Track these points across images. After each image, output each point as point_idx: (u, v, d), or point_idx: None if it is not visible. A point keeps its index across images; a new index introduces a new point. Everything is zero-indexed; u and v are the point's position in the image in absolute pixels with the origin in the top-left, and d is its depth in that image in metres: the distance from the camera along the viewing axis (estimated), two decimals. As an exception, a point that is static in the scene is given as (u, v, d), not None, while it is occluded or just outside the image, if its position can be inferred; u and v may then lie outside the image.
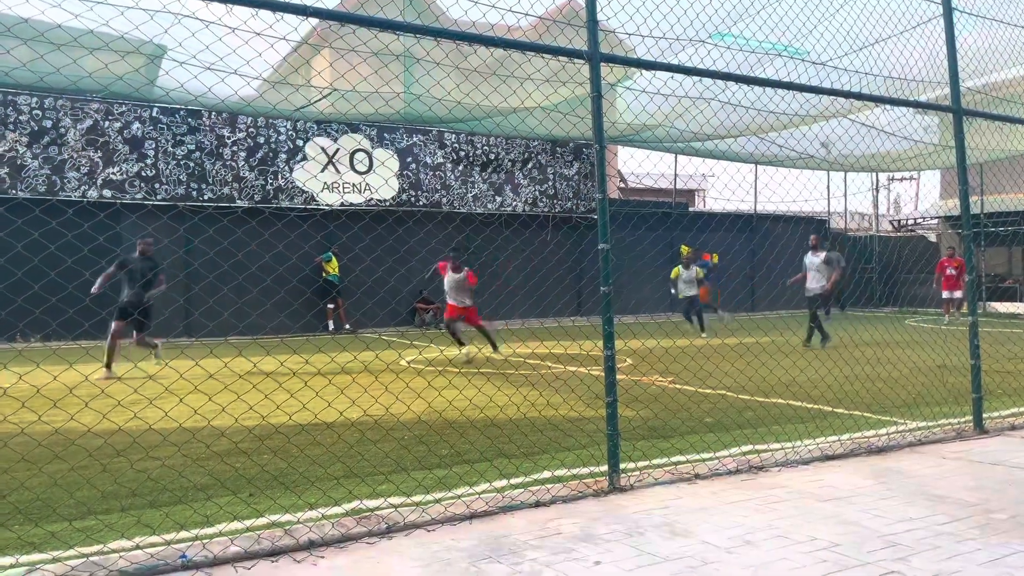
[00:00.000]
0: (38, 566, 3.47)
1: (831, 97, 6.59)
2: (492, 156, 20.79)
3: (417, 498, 4.52)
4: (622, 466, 4.79)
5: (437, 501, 4.44)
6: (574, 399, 7.50)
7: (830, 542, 3.70)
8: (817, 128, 13.04)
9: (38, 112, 15.79)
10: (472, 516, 4.15)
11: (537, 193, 21.41)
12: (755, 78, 5.79)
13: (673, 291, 16.88)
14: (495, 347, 12.21)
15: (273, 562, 3.54)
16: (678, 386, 8.81)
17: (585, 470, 5.10)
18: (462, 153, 20.38)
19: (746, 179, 26.06)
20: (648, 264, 21.41)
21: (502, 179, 20.90)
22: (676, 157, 21.97)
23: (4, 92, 15.27)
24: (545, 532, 3.91)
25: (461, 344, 12.05)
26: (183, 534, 3.92)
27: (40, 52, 3.79)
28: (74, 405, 5.80)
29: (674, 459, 5.41)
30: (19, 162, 15.57)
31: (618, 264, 18.37)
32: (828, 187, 27.02)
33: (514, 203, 21.03)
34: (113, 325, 10.12)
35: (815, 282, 13.25)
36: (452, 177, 20.20)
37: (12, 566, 3.49)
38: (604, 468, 4.81)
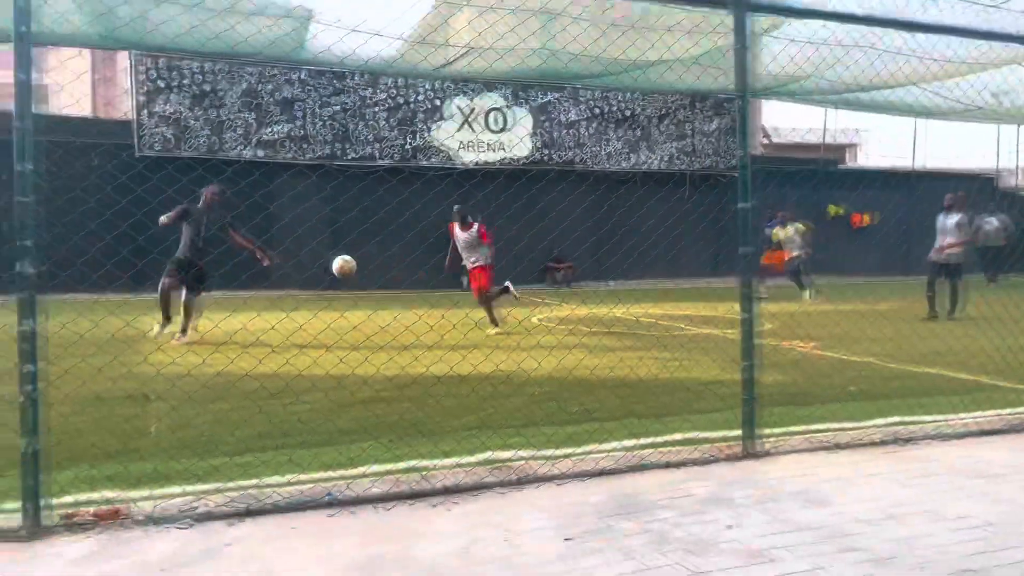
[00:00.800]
0: (202, 496, 3.80)
1: (1004, 43, 5.99)
2: (628, 112, 20.40)
3: (547, 452, 4.60)
4: (758, 432, 4.66)
5: (567, 456, 4.49)
6: (708, 362, 7.35)
7: (984, 521, 3.47)
8: (987, 76, 11.91)
9: (199, 76, 16.87)
10: (601, 473, 4.18)
11: (675, 150, 20.86)
12: (918, 23, 5.34)
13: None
14: (494, 322, 10.48)
15: (411, 505, 3.72)
16: (821, 352, 8.44)
17: (718, 434, 5.01)
18: (597, 110, 20.12)
19: (904, 133, 24.31)
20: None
21: (638, 136, 20.49)
22: (826, 110, 20.75)
23: (169, 57, 16.39)
24: (675, 493, 3.88)
25: (506, 292, 10.78)
26: (329, 473, 4.18)
27: (202, 18, 4.04)
28: (233, 350, 6.26)
29: (813, 427, 5.21)
30: (183, 124, 16.74)
31: (760, 224, 17.58)
32: (998, 141, 24.77)
33: (650, 160, 20.61)
34: (164, 280, 9.11)
35: (947, 246, 12.01)
36: (587, 135, 20.01)
37: (180, 495, 3.85)
38: (738, 433, 4.70)
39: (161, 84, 16.61)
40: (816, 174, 22.50)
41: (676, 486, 4.00)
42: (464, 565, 3.03)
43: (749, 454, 4.53)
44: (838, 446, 4.71)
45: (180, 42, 4.38)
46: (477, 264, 10.59)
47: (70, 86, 17.85)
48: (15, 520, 3.35)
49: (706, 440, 4.87)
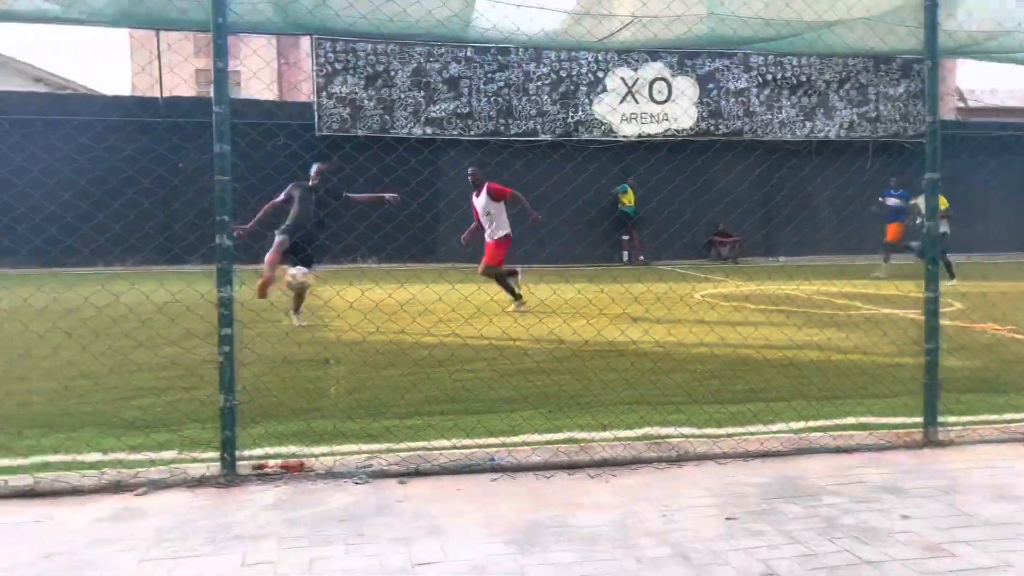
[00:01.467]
0: (376, 455, 4.06)
1: None
2: (803, 78, 19.29)
3: (708, 431, 4.52)
4: (941, 419, 4.34)
5: (729, 436, 4.39)
6: (887, 343, 6.90)
7: None
8: None
9: (372, 57, 17.67)
10: (766, 454, 4.06)
11: (855, 116, 19.53)
12: None
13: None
14: (517, 296, 9.10)
15: (570, 474, 3.78)
16: (1018, 336, 7.69)
17: (896, 420, 4.71)
18: (769, 76, 19.17)
19: None
20: (989, 196, 18.69)
21: (814, 103, 19.35)
22: (1032, 69, 18.68)
23: (346, 41, 17.28)
24: (846, 479, 3.70)
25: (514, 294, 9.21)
26: (491, 440, 4.33)
27: (377, 3, 4.23)
28: (404, 319, 6.58)
29: (1006, 416, 4.78)
30: (358, 103, 17.63)
31: (951, 196, 16.11)
32: None
33: (827, 128, 19.42)
34: (268, 256, 7.95)
35: None
36: (756, 103, 19.13)
37: (356, 452, 4.12)
38: (919, 420, 4.40)
39: (338, 66, 17.56)
40: (1018, 140, 20.33)
41: (847, 471, 3.81)
42: (621, 537, 3.06)
43: (930, 442, 4.23)
44: (1036, 439, 4.30)
45: (358, 26, 4.61)
46: (493, 238, 9.44)
47: (261, 72, 19.24)
48: (215, 468, 3.73)
49: (883, 425, 4.60)
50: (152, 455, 4.05)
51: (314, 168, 8.48)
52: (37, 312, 7.19)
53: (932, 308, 4.34)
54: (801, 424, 4.62)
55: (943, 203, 13.55)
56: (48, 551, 2.93)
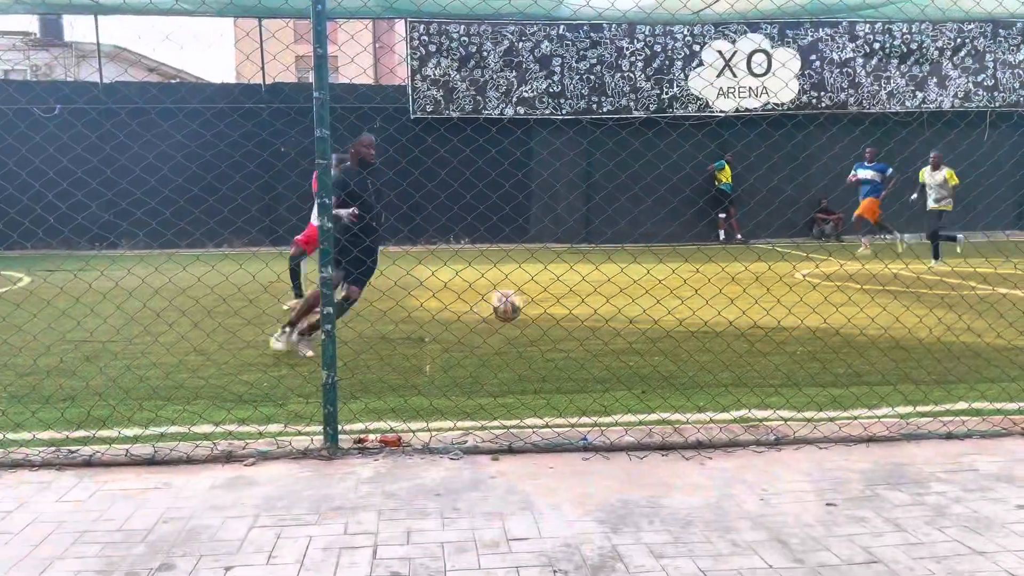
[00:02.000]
0: (469, 432, 4.13)
1: None
2: (914, 45, 18.25)
3: (808, 414, 4.39)
4: (1063, 406, 4.09)
5: (830, 420, 4.26)
6: (1003, 325, 6.51)
7: None
8: None
9: (465, 39, 17.77)
10: (870, 439, 3.92)
11: (971, 85, 18.36)
12: None
13: (914, 197, 12.90)
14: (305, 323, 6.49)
15: (664, 456, 3.76)
16: None
17: (1012, 406, 4.46)
18: (876, 45, 18.23)
19: None
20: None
21: (925, 72, 18.30)
22: None
23: (440, 22, 17.43)
24: (956, 467, 3.54)
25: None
26: (583, 419, 4.34)
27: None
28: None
29: None
30: (451, 85, 17.79)
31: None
32: None
33: (940, 99, 18.35)
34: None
35: None
36: (863, 73, 18.23)
37: (450, 429, 4.21)
38: (1038, 406, 4.16)
39: (432, 48, 17.74)
40: None
41: (958, 459, 3.64)
42: (717, 519, 3.02)
43: (1051, 431, 3.99)
44: None
45: (451, 8, 4.65)
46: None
47: (358, 57, 19.68)
48: (318, 441, 3.89)
49: (997, 411, 4.36)
50: (259, 428, 4.25)
51: (358, 145, 6.48)
52: (154, 291, 7.64)
53: (1056, 288, 4.07)
54: (908, 409, 4.44)
55: (953, 178, 12.53)
56: (167, 516, 3.13)
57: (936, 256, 12.41)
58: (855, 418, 4.27)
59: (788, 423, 4.18)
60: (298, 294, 8.32)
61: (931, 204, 12.71)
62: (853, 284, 10.03)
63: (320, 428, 3.90)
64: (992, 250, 13.06)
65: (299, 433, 4.13)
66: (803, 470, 3.53)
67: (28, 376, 5.46)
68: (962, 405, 4.52)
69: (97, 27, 17.66)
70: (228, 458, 3.74)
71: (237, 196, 13.84)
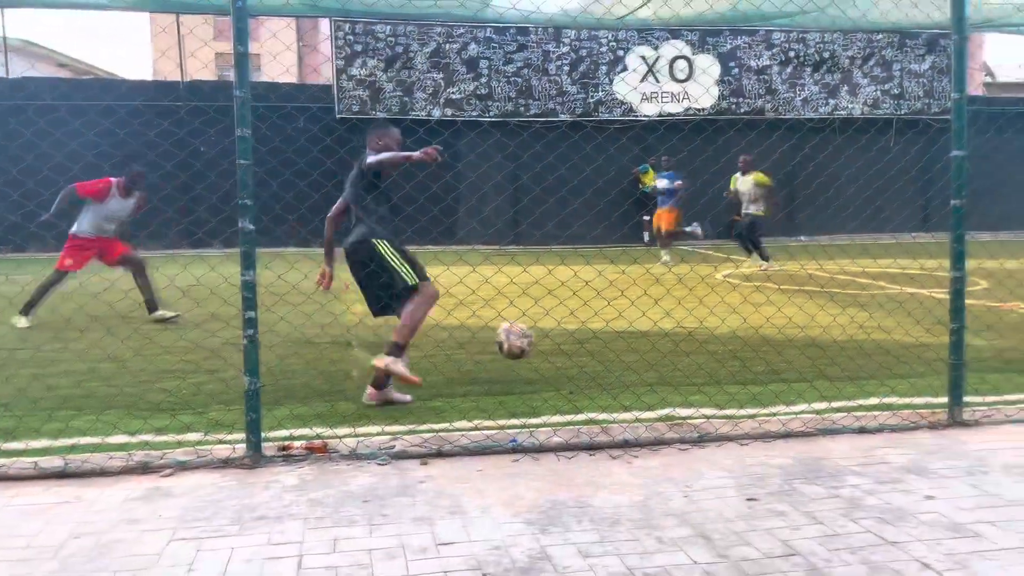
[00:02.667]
0: (398, 436, 4.09)
1: None
2: (826, 54, 18.99)
3: (730, 411, 4.51)
4: (966, 399, 4.30)
5: (751, 417, 4.38)
6: (911, 323, 6.83)
7: None
8: None
9: (391, 39, 17.61)
10: (788, 435, 4.04)
11: (879, 93, 19.22)
12: None
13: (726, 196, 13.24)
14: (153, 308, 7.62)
15: (591, 455, 3.79)
16: (1046, 315, 7.58)
17: (920, 400, 4.67)
18: (791, 53, 18.89)
19: None
20: (1015, 173, 18.35)
21: (837, 80, 19.05)
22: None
23: (365, 22, 17.23)
24: (869, 460, 3.69)
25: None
26: (512, 421, 4.34)
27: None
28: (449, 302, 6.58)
29: (1034, 397, 4.72)
30: (377, 85, 17.60)
31: (977, 172, 15.74)
32: None
33: (851, 106, 19.13)
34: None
35: None
36: (779, 80, 18.87)
37: (378, 434, 4.16)
38: (943, 400, 4.36)
39: (358, 48, 17.52)
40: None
41: (870, 452, 3.79)
42: (643, 517, 3.07)
43: (956, 422, 4.19)
44: (1064, 419, 4.25)
45: (377, 8, 4.59)
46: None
47: (281, 56, 19.26)
48: (240, 449, 3.78)
49: (907, 406, 4.56)
50: (178, 437, 4.11)
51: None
52: (64, 297, 7.30)
53: (958, 287, 4.29)
54: (823, 405, 4.60)
55: (764, 180, 12.74)
56: (78, 531, 2.99)
57: (760, 256, 12.66)
58: (774, 415, 4.41)
59: (711, 420, 4.28)
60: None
61: (745, 209, 12.84)
62: (771, 285, 10.36)
63: (243, 436, 3.79)
64: (900, 251, 13.69)
65: (220, 442, 4.00)
66: (726, 466, 3.62)
67: (-75, 387, 5.15)
68: (874, 400, 4.71)
69: (3, 20, 16.82)
70: (144, 469, 3.60)
71: (153, 197, 13.36)
